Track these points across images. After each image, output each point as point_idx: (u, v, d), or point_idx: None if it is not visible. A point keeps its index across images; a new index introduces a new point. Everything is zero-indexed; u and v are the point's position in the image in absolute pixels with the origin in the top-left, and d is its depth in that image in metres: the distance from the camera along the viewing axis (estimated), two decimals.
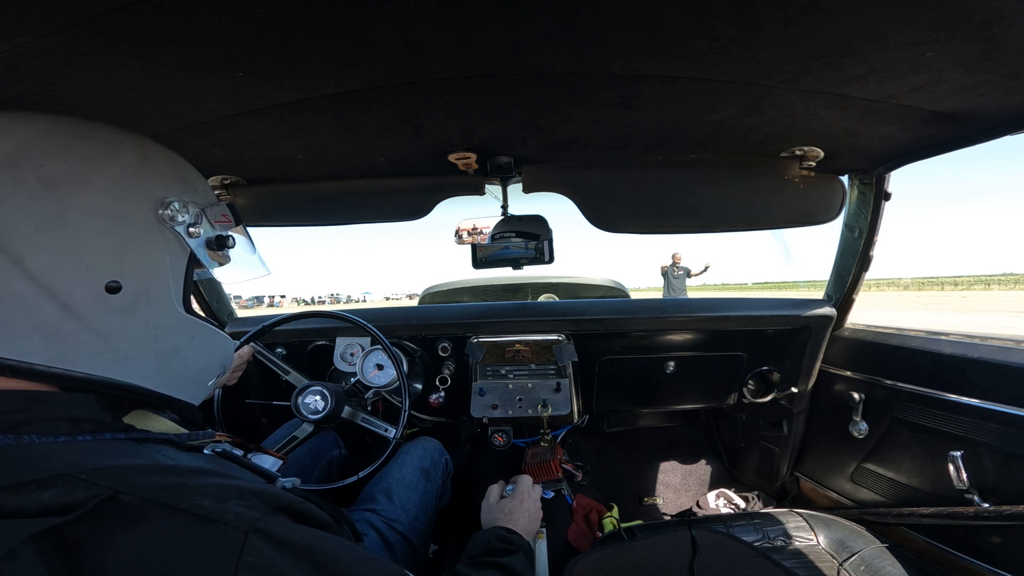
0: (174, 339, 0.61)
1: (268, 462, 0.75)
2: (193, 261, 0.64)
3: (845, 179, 1.37)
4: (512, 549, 0.89)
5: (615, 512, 1.68)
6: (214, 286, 1.76)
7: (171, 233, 0.60)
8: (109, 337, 0.53)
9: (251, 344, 1.41)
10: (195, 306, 0.65)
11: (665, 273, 9.63)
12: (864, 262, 1.48)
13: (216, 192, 1.42)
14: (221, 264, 0.70)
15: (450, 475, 1.47)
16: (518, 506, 1.10)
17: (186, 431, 0.61)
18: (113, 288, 0.53)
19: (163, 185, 0.59)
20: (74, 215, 0.50)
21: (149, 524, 0.41)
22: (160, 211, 0.58)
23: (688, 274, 9.57)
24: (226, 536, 0.42)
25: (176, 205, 0.59)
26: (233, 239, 0.69)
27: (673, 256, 9.48)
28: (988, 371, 1.15)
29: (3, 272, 0.47)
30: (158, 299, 0.58)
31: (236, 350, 1.33)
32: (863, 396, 1.46)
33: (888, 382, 1.40)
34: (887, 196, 1.39)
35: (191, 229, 0.61)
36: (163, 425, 0.60)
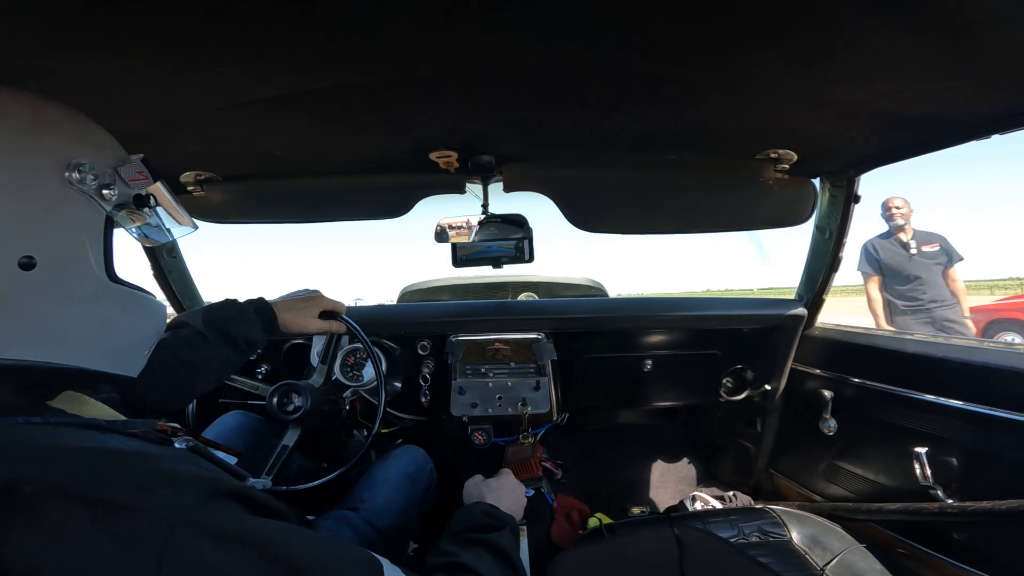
0: (102, 312, 0.57)
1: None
2: (111, 225, 0.59)
3: (817, 182, 1.40)
4: (498, 524, 0.84)
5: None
6: (183, 278, 1.68)
7: (82, 197, 0.55)
8: (29, 317, 0.50)
9: None
10: (118, 272, 0.60)
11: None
12: (834, 263, 1.52)
13: (190, 188, 1.38)
14: (143, 225, 0.66)
15: (434, 484, 1.44)
16: (504, 484, 1.06)
17: (122, 418, 0.57)
18: (26, 264, 0.48)
19: (64, 145, 0.54)
20: None
21: (51, 517, 0.38)
22: (66, 174, 0.53)
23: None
24: (147, 528, 0.39)
25: (84, 166, 0.54)
26: (153, 197, 0.65)
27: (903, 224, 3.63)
28: (949, 369, 1.18)
29: None
30: (78, 271, 0.54)
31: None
32: (832, 394, 1.50)
33: (856, 380, 1.43)
34: (857, 199, 1.42)
35: (104, 191, 0.57)
36: (96, 410, 0.57)
